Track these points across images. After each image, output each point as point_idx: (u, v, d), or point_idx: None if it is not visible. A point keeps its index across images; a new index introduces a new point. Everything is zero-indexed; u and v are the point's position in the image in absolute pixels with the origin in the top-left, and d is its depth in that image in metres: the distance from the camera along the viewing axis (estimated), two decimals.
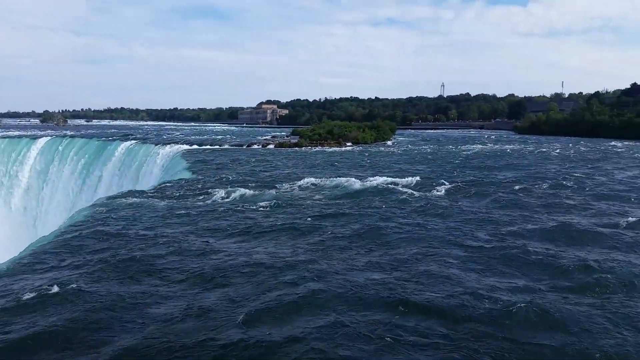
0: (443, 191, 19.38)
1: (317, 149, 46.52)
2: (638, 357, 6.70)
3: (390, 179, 21.88)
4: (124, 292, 8.72)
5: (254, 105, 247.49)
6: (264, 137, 63.27)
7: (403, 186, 20.26)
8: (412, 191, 19.03)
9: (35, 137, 58.08)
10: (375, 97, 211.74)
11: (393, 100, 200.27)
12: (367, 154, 39.91)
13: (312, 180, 22.12)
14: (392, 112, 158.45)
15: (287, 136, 64.31)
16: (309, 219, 14.56)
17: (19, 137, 60.19)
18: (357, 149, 46.50)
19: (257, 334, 7.08)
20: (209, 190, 19.86)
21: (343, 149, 46.57)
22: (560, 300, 8.39)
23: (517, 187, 20.41)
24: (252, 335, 7.05)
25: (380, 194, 18.57)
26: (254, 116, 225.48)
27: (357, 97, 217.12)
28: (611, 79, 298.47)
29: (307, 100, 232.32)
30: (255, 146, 48.35)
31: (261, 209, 16.18)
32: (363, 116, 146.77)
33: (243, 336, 7.00)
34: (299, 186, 20.94)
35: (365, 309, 7.94)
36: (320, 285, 8.90)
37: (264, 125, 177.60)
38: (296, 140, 51.10)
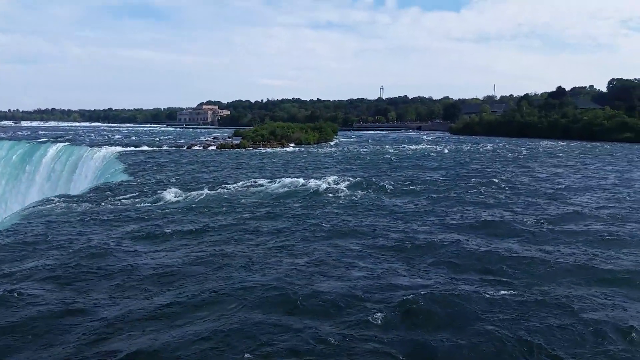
0: (377, 189, 19.99)
1: (259, 149, 46.32)
2: (557, 345, 7.04)
3: (331, 178, 22.23)
4: (42, 303, 8.31)
5: (194, 105, 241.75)
6: (205, 138, 62.05)
7: (343, 186, 20.68)
8: (347, 191, 19.48)
9: None
10: (318, 99, 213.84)
11: (335, 102, 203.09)
12: (309, 155, 40.24)
13: (252, 181, 22.01)
14: (334, 114, 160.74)
15: (229, 137, 63.41)
16: (240, 218, 14.58)
17: None
18: (300, 149, 46.80)
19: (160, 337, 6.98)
20: (146, 192, 19.32)
21: (286, 149, 46.68)
22: (476, 291, 8.81)
23: (447, 185, 21.45)
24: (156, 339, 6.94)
25: (316, 194, 18.85)
26: (194, 117, 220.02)
27: (299, 99, 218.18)
28: (539, 82, 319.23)
29: (249, 101, 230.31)
30: (196, 147, 47.31)
31: (198, 210, 15.94)
32: (306, 117, 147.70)
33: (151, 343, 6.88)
34: (238, 187, 20.78)
35: (258, 309, 7.85)
36: (226, 284, 8.88)
37: (204, 126, 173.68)
38: (238, 142, 50.59)
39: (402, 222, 14.23)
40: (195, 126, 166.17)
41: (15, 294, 8.50)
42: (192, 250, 11.31)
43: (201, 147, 47.33)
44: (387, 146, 52.34)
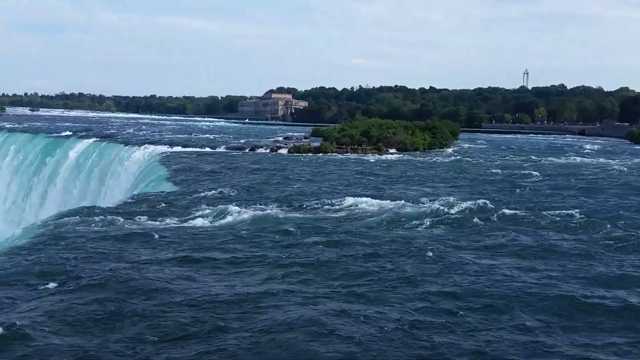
0: (516, 225, 19.40)
1: (347, 155, 46.91)
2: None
3: (451, 201, 22.03)
4: (66, 347, 9.00)
5: (261, 94, 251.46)
6: (274, 138, 64.13)
7: (469, 213, 20.36)
8: (469, 224, 19.12)
9: None
10: (430, 87, 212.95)
11: (455, 91, 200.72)
12: (416, 165, 40.13)
13: (337, 200, 22.44)
14: (453, 109, 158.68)
15: (305, 137, 64.96)
16: (320, 251, 14.93)
17: None
18: (404, 157, 46.65)
19: None
20: (195, 208, 20.41)
21: (384, 157, 46.81)
22: None
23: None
24: None
25: (433, 225, 18.71)
26: (260, 109, 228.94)
27: (404, 87, 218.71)
28: None
29: (333, 89, 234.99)
30: (262, 150, 49.05)
31: (262, 235, 16.60)
32: (413, 112, 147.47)
33: None
34: (318, 207, 21.27)
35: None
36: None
37: (273, 121, 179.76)
38: (318, 144, 51.64)
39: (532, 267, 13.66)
40: (262, 121, 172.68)
41: (25, 346, 9.13)
42: (254, 291, 11.72)
43: (268, 150, 48.98)
44: (533, 158, 50.51)
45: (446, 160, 45.68)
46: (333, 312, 10.59)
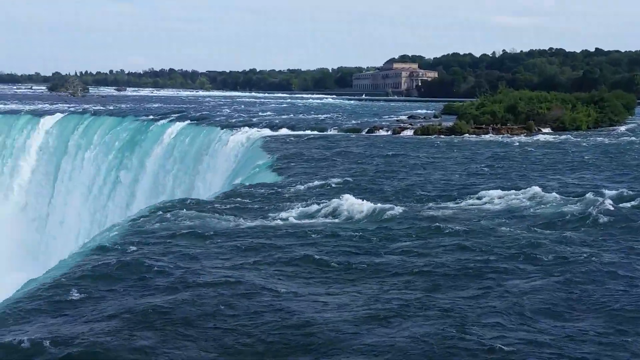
0: None
1: (487, 138, 45.80)
2: None
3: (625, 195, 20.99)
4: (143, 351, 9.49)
5: (380, 64, 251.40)
6: (397, 118, 63.83)
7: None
8: None
9: (40, 114, 65.08)
10: (596, 50, 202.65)
11: (630, 54, 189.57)
12: (584, 148, 38.73)
13: (476, 194, 21.98)
14: (627, 75, 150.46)
15: (435, 116, 64.19)
16: (473, 260, 14.63)
17: (15, 113, 67.95)
18: (562, 138, 44.94)
19: None
20: (300, 202, 20.72)
21: (535, 138, 45.30)
22: None
23: None
24: None
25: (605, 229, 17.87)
26: (378, 82, 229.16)
27: (560, 50, 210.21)
28: None
29: (470, 55, 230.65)
30: (382, 132, 48.96)
31: (376, 237, 16.57)
32: (573, 82, 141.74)
33: None
34: (449, 204, 20.94)
35: None
36: None
37: (395, 97, 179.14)
38: (451, 124, 50.83)
39: None
40: (381, 97, 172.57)
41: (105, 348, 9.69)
42: (365, 311, 11.74)
43: (389, 132, 48.80)
44: None
45: (618, 141, 43.51)
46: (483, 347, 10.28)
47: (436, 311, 11.33)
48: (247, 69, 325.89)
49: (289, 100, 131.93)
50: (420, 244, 15.91)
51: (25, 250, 53.59)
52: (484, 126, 50.20)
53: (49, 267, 16.54)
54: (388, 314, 11.17)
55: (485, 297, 12.13)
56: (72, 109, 73.62)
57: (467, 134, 47.42)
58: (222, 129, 46.66)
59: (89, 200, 50.75)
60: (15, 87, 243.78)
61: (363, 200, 20.24)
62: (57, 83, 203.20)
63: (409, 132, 48.58)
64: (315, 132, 48.07)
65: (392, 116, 67.65)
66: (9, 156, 60.64)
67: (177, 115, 60.68)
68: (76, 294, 12.19)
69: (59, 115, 64.14)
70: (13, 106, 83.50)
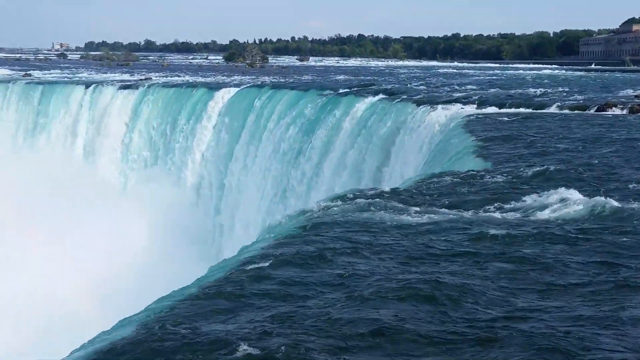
0: None
1: None
2: None
3: None
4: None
5: (615, 26, 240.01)
6: (636, 93, 60.81)
7: None
8: None
9: (215, 88, 68.65)
10: None
11: None
12: None
13: None
14: None
15: None
16: None
17: (190, 86, 72.27)
18: None
19: None
20: (509, 194, 20.50)
21: None
22: None
23: None
24: None
25: None
26: (613, 48, 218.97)
27: None
28: None
29: None
30: (615, 111, 46.82)
31: (599, 238, 16.06)
32: None
33: None
34: None
35: None
36: None
37: (634, 67, 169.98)
38: None
39: None
40: (616, 67, 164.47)
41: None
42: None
43: (625, 111, 46.55)
44: None
45: None
46: None
47: None
48: (449, 34, 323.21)
49: (499, 71, 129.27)
50: None
51: (198, 234, 57.16)
52: None
53: (224, 253, 17.68)
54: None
55: None
56: (249, 82, 76.69)
57: None
58: (418, 105, 46.65)
59: (267, 183, 52.83)
60: (190, 57, 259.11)
61: (590, 197, 19.52)
62: (234, 52, 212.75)
63: None
64: (530, 110, 46.80)
65: (629, 91, 64.35)
66: (181, 135, 64.48)
67: (366, 89, 61.33)
68: (256, 286, 13.00)
69: (234, 90, 67.02)
70: (187, 78, 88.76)
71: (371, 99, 52.21)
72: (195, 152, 62.58)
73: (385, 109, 47.86)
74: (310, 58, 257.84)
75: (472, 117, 40.54)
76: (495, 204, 19.51)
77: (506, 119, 40.55)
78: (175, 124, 65.89)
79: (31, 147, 72.10)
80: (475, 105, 47.31)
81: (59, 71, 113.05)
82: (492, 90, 65.31)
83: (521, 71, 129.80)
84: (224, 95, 65.46)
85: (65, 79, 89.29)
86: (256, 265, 14.53)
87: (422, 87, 69.26)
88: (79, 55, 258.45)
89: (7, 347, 36.62)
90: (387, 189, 23.27)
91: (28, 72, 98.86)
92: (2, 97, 78.07)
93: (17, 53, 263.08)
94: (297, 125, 54.28)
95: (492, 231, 16.62)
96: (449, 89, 65.31)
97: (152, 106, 69.06)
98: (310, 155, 50.20)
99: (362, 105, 50.82)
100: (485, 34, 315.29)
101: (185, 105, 66.86)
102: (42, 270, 47.45)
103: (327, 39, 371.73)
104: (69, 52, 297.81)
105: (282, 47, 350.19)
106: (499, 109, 47.01)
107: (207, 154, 62.08)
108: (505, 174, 23.98)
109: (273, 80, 79.29)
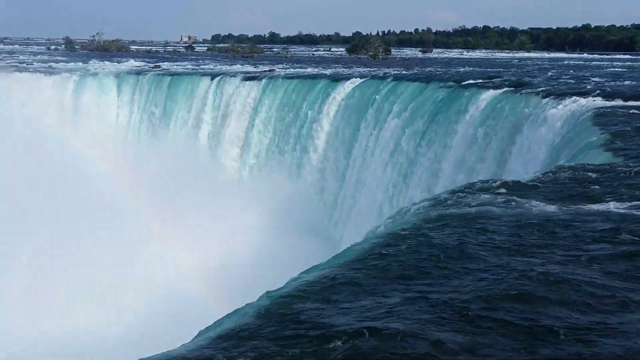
0: None
1: None
2: None
3: None
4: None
5: None
6: None
7: None
8: None
9: (337, 80, 68.93)
10: None
11: None
12: None
13: None
14: None
15: None
16: None
17: (312, 77, 73.13)
18: None
19: None
20: (635, 190, 19.87)
21: None
22: None
23: None
24: None
25: None
26: None
27: None
28: None
29: None
30: None
31: None
32: None
33: None
34: None
35: None
36: None
37: None
38: None
39: None
40: None
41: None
42: None
43: None
44: None
45: None
46: None
47: None
48: (579, 25, 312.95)
49: (631, 63, 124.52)
50: None
51: (316, 224, 57.65)
52: None
53: (342, 245, 17.70)
54: None
55: None
56: (371, 73, 76.61)
57: None
58: (544, 97, 45.47)
59: (386, 176, 52.64)
60: (313, 49, 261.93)
61: None
62: (356, 44, 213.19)
63: None
64: None
65: None
66: (302, 126, 65.09)
67: (490, 80, 60.26)
68: (366, 282, 12.82)
69: (356, 81, 67.09)
70: (310, 70, 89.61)
71: (496, 92, 51.21)
72: (316, 144, 63.06)
73: (510, 101, 46.86)
74: (434, 50, 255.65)
75: (601, 110, 39.15)
76: (624, 198, 18.82)
77: (638, 111, 38.94)
78: (297, 115, 66.66)
79: (159, 135, 74.49)
80: (604, 98, 45.60)
81: (187, 63, 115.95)
82: (624, 82, 62.94)
83: None
84: (346, 87, 65.65)
85: (193, 70, 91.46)
86: (390, 251, 14.63)
87: (548, 79, 67.48)
88: (206, 48, 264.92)
89: (134, 331, 37.79)
90: (513, 180, 22.82)
91: (157, 64, 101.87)
92: (132, 87, 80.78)
93: (147, 45, 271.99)
94: (417, 117, 53.81)
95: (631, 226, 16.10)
96: (577, 81, 63.46)
97: (274, 97, 70.13)
98: (432, 147, 49.68)
99: (486, 97, 49.89)
100: (617, 25, 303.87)
101: (307, 96, 67.49)
102: (164, 254, 48.99)
103: (451, 31, 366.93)
104: (196, 45, 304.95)
105: (405, 39, 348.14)
106: (630, 102, 45.16)
107: (327, 146, 62.43)
108: (630, 168, 23.03)
109: (395, 72, 78.93)
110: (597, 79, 67.19)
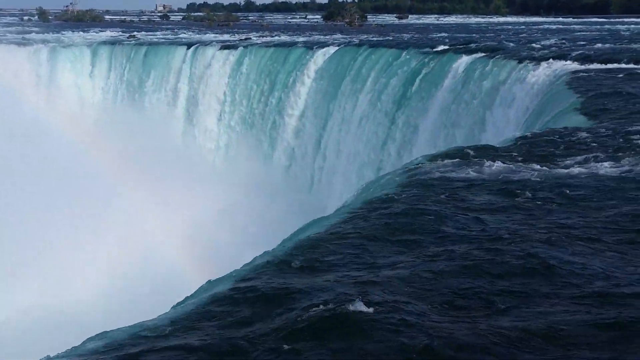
0: None
1: None
2: None
3: None
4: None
5: None
6: None
7: None
8: None
9: (313, 48, 68.70)
10: None
11: None
12: None
13: None
14: None
15: None
16: None
17: (288, 45, 72.77)
18: None
19: None
20: (616, 152, 19.90)
21: None
22: None
23: None
24: None
25: None
26: None
27: None
28: None
29: None
30: None
31: None
32: None
33: None
34: None
35: None
36: None
37: None
38: None
39: None
40: None
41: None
42: None
43: None
44: None
45: None
46: None
47: None
48: None
49: (606, 26, 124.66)
50: None
51: (294, 193, 57.70)
52: None
53: (323, 212, 17.54)
54: None
55: None
56: (346, 41, 76.23)
57: None
58: (519, 62, 45.51)
59: (363, 141, 52.74)
60: (289, 17, 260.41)
61: None
62: (332, 11, 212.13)
63: None
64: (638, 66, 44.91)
65: None
66: (280, 94, 64.84)
67: (465, 46, 60.14)
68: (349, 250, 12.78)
69: (333, 49, 66.77)
70: (285, 37, 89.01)
71: (471, 57, 51.20)
72: (293, 111, 62.85)
73: (486, 67, 46.87)
74: (409, 16, 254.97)
75: (576, 74, 39.28)
76: (599, 161, 18.94)
77: (611, 75, 39.06)
78: (274, 83, 66.22)
79: (136, 106, 73.87)
80: (578, 62, 45.70)
81: (162, 32, 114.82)
82: (598, 45, 63.09)
83: (632, 25, 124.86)
84: (323, 54, 65.43)
85: (168, 39, 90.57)
86: (361, 221, 14.53)
87: (524, 43, 67.43)
88: (181, 17, 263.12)
89: (116, 305, 37.65)
90: (487, 145, 23.02)
91: (132, 34, 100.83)
92: (107, 58, 79.95)
93: (122, 15, 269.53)
94: (394, 83, 53.80)
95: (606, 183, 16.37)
96: (551, 46, 63.45)
97: (251, 66, 69.56)
98: (409, 112, 49.77)
99: (462, 62, 49.92)
100: None
101: (283, 64, 67.14)
102: (143, 229, 48.84)
103: None
104: (171, 14, 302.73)
105: (380, 5, 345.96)
106: (604, 64, 45.28)
107: (305, 113, 62.25)
108: (606, 130, 23.22)
109: (371, 38, 78.60)
110: (572, 43, 67.30)
